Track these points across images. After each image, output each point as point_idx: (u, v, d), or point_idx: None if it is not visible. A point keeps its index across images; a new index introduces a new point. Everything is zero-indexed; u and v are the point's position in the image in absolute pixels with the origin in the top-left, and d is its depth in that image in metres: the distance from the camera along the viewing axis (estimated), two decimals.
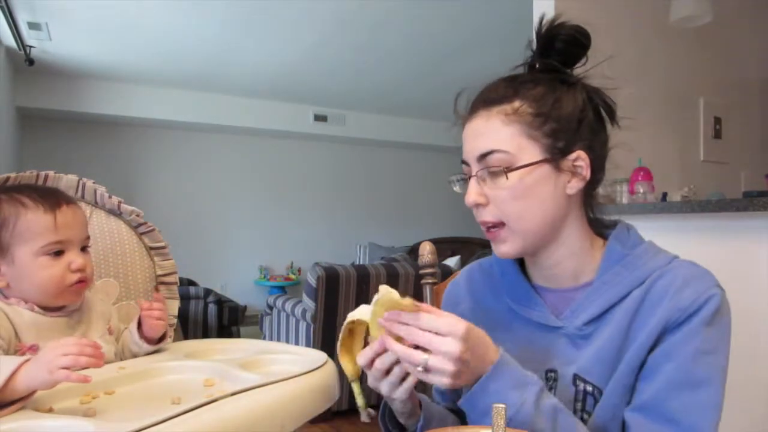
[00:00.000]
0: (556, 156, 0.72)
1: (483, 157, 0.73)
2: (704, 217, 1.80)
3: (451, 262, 4.63)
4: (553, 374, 0.75)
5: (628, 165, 2.24)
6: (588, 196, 0.78)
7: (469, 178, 0.76)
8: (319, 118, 6.25)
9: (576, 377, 0.72)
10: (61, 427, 0.63)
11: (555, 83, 0.75)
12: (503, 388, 0.65)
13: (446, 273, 3.05)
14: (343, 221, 6.79)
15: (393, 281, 3.01)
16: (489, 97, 0.75)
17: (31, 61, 4.32)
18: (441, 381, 0.63)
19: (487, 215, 0.74)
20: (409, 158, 7.16)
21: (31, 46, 4.22)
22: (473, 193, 0.74)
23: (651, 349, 0.69)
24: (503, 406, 0.50)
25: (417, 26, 3.93)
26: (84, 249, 0.90)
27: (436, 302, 1.11)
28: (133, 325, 0.96)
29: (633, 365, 0.69)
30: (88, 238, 0.92)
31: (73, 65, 4.77)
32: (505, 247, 0.75)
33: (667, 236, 1.91)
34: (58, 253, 0.85)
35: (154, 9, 3.64)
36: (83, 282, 0.88)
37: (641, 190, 2.19)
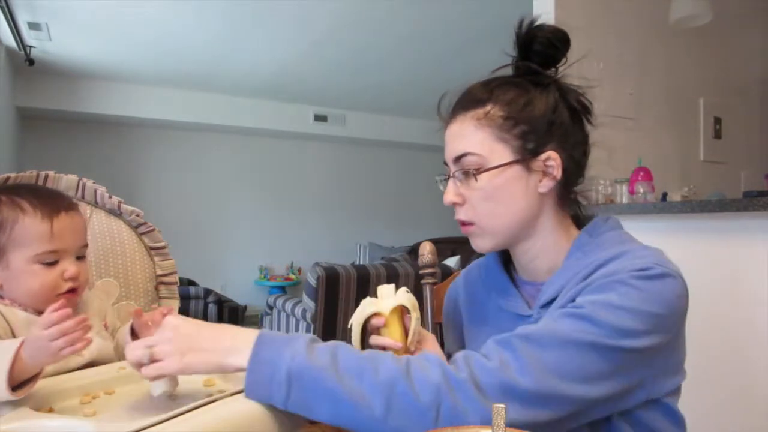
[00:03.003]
0: (526, 157, 0.75)
1: (458, 159, 0.77)
2: (704, 217, 1.80)
3: (451, 262, 4.63)
4: None
5: (628, 165, 2.24)
6: (566, 193, 0.79)
7: (448, 178, 0.80)
8: (319, 118, 6.25)
9: None
10: (61, 427, 0.63)
11: (528, 85, 0.77)
12: (275, 352, 0.62)
13: (446, 273, 3.05)
14: (343, 221, 6.79)
15: (393, 281, 3.01)
16: (464, 102, 0.79)
17: (31, 61, 4.32)
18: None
19: (461, 214, 0.79)
20: (409, 158, 7.16)
21: (31, 46, 4.22)
22: (450, 192, 0.79)
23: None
24: (503, 406, 0.50)
25: (417, 26, 3.93)
26: (80, 257, 0.89)
27: (436, 301, 1.11)
28: (126, 330, 0.96)
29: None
30: (86, 246, 0.91)
31: (73, 65, 4.77)
32: (479, 242, 0.80)
33: (667, 236, 1.91)
34: (52, 263, 0.85)
35: (154, 9, 3.64)
36: (74, 291, 0.87)
37: (641, 190, 2.19)
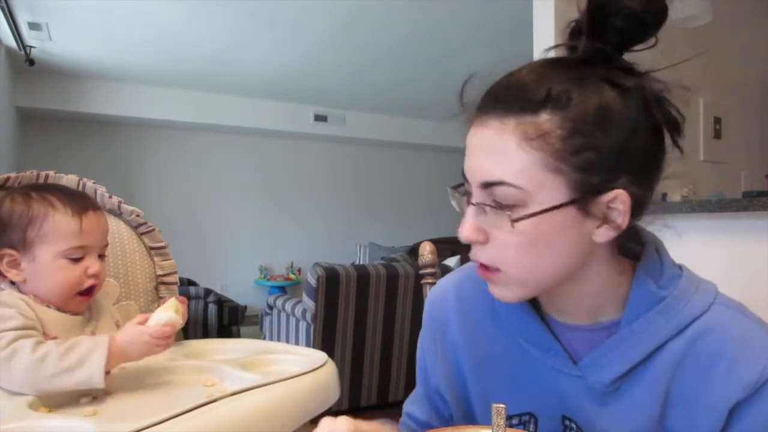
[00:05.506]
0: (586, 196, 0.53)
1: (488, 185, 0.55)
2: (704, 217, 1.80)
3: (451, 262, 4.63)
4: (572, 424, 0.64)
5: None
6: (627, 232, 0.59)
7: (468, 200, 0.58)
8: (319, 118, 6.25)
9: None
10: (61, 427, 0.63)
11: (603, 87, 0.54)
12: None
13: (446, 273, 3.05)
14: (343, 221, 6.79)
15: (393, 281, 3.01)
16: (508, 99, 0.54)
17: (31, 61, 4.32)
18: None
19: (482, 256, 0.58)
20: (409, 158, 7.16)
21: (31, 46, 4.22)
22: (468, 227, 0.57)
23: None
24: (503, 405, 0.50)
25: (417, 26, 3.93)
26: (101, 256, 0.92)
27: None
28: None
29: None
30: (107, 245, 0.94)
31: (73, 65, 4.77)
32: (503, 292, 0.60)
33: (668, 236, 1.91)
34: (78, 259, 0.87)
35: (155, 9, 3.64)
36: (92, 290, 0.89)
37: None
